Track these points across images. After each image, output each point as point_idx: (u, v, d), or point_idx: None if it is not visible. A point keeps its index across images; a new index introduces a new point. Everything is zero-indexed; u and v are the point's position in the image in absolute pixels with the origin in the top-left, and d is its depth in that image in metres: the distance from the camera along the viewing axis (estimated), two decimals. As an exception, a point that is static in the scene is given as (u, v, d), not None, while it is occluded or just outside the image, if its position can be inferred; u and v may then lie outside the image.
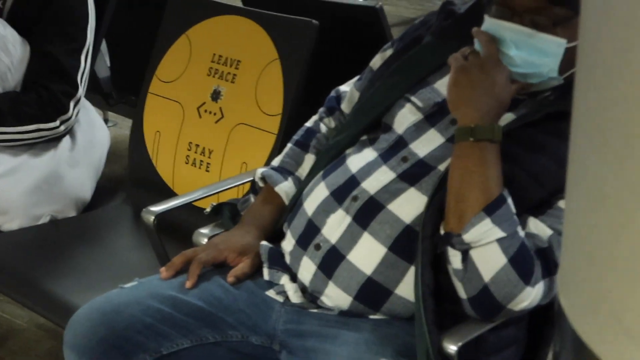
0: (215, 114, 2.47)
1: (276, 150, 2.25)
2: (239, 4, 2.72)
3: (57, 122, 2.52)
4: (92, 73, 2.67)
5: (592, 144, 0.68)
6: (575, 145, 0.73)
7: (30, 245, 2.42)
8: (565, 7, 1.59)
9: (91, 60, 2.64)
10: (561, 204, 1.57)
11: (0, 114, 2.47)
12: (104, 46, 2.98)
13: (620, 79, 0.62)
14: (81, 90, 2.57)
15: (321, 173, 1.79)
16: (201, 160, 2.47)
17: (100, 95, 3.15)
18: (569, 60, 1.59)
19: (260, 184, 1.93)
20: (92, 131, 2.72)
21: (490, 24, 1.64)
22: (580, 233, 0.72)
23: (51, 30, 2.57)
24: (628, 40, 0.61)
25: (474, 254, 1.51)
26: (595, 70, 0.67)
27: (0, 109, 2.47)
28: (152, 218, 2.04)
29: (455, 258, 1.53)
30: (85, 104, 2.65)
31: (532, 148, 1.61)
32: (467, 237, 1.51)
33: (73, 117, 2.56)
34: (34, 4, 2.59)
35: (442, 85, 1.73)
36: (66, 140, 2.60)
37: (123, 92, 3.22)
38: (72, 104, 2.54)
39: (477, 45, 1.65)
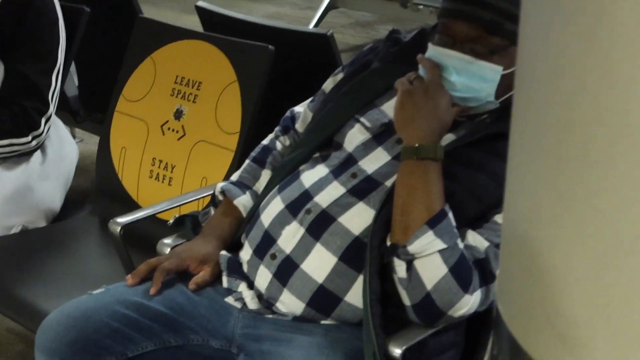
0: (177, 131, 2.47)
1: (234, 166, 2.26)
2: (200, 30, 2.73)
3: (29, 138, 2.51)
4: (62, 91, 2.67)
5: (528, 162, 0.72)
6: (513, 163, 0.77)
7: (2, 254, 2.39)
8: (501, 37, 1.62)
9: (61, 79, 2.63)
10: (497, 218, 1.59)
11: None
12: (72, 66, 2.95)
13: (553, 103, 0.66)
14: (52, 108, 2.57)
15: (277, 187, 1.79)
16: (164, 175, 2.47)
17: (68, 112, 3.12)
18: (504, 85, 1.63)
19: (220, 198, 1.93)
20: (62, 146, 2.71)
21: (433, 51, 1.67)
22: (516, 244, 0.75)
23: (24, 51, 2.56)
24: (559, 67, 0.65)
25: (417, 263, 1.53)
26: (531, 95, 0.71)
27: None
28: (118, 229, 2.04)
29: (400, 267, 1.55)
30: (55, 120, 2.64)
31: (471, 166, 1.63)
32: (412, 248, 1.53)
33: (44, 133, 2.55)
34: (7, 26, 2.57)
35: (388, 107, 1.75)
36: (37, 154, 2.59)
37: (90, 110, 3.19)
38: (43, 121, 2.53)
39: (421, 71, 1.67)
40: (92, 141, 3.04)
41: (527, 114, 0.73)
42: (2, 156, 2.50)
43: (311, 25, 5.14)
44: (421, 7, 4.77)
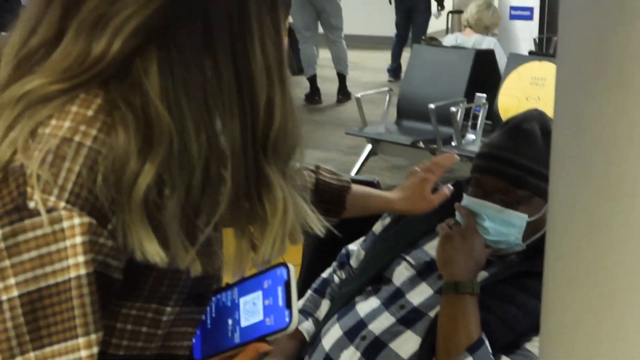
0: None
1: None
2: None
3: None
4: None
5: (563, 305, 0.74)
6: (547, 301, 0.78)
7: None
8: (525, 189, 1.68)
9: None
10: (528, 345, 1.59)
11: None
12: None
13: (582, 258, 0.69)
14: None
15: (335, 316, 1.79)
16: None
17: None
18: (530, 230, 1.68)
19: None
20: None
21: (468, 200, 1.73)
22: None
23: None
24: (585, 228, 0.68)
25: None
26: (563, 246, 0.73)
27: None
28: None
29: None
30: None
31: (503, 300, 1.63)
32: None
33: None
34: None
35: (430, 248, 1.79)
36: None
37: None
38: None
39: (458, 217, 1.74)
40: None
41: (560, 261, 0.75)
42: None
43: (355, 169, 5.27)
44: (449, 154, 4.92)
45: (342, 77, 7.84)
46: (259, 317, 1.09)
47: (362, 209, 1.65)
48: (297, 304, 1.08)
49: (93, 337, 0.89)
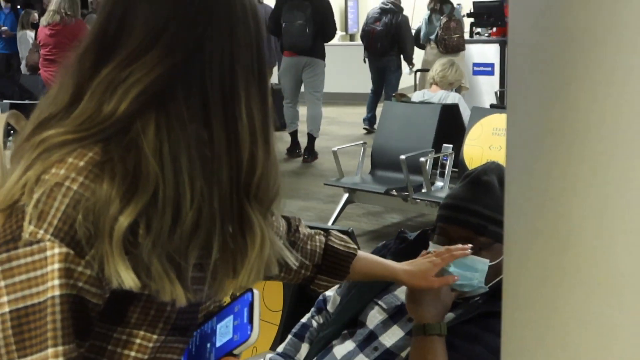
0: None
1: (278, 337, 2.25)
2: None
3: None
4: None
5: (521, 343, 0.75)
6: (506, 339, 0.79)
7: None
8: (486, 237, 1.69)
9: None
10: None
11: None
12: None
13: (537, 299, 0.70)
14: None
15: (315, 358, 1.79)
16: None
17: None
18: (492, 273, 1.68)
19: None
20: None
21: (434, 247, 1.71)
22: None
23: None
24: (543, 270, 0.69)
25: None
26: (519, 290, 0.74)
27: None
28: None
29: None
30: None
31: (468, 339, 1.63)
32: None
33: None
34: None
35: (401, 292, 1.77)
36: None
37: None
38: None
39: None
40: None
41: (517, 303, 0.75)
42: None
43: (334, 216, 5.29)
44: (418, 200, 4.90)
45: (311, 138, 7.78)
46: (229, 336, 1.19)
47: (366, 275, 1.69)
48: (258, 320, 1.17)
49: (60, 349, 0.97)
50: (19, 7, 12.46)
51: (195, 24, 1.04)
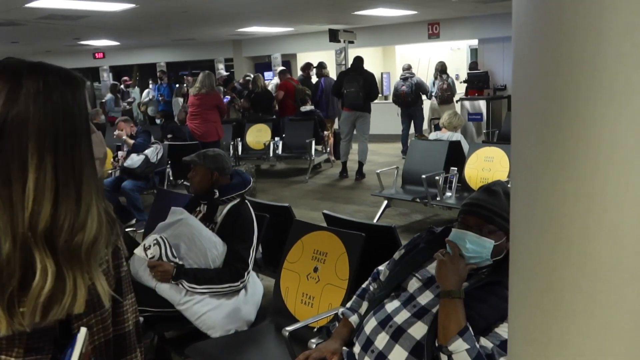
0: (315, 279, 2.45)
1: (346, 298, 2.24)
2: (324, 224, 2.70)
3: (238, 283, 2.54)
4: (255, 256, 2.70)
5: (522, 304, 0.71)
6: (512, 301, 0.74)
7: (225, 345, 2.38)
8: (493, 225, 1.66)
9: (254, 251, 2.63)
10: (496, 330, 1.55)
11: (212, 280, 2.47)
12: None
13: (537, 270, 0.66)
14: (250, 267, 2.59)
15: (372, 312, 1.76)
16: (309, 302, 2.43)
17: (257, 268, 3.13)
18: (494, 252, 1.65)
19: (341, 316, 1.93)
20: (254, 285, 2.69)
21: (456, 231, 1.69)
22: (519, 350, 0.72)
23: (236, 238, 2.60)
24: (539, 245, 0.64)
25: (454, 357, 1.51)
26: (520, 262, 0.70)
27: (212, 278, 2.49)
28: (287, 333, 2.08)
29: (444, 359, 1.53)
30: (251, 272, 2.63)
31: (479, 300, 1.60)
32: (450, 348, 1.51)
33: (245, 280, 2.56)
34: (228, 226, 2.63)
35: (431, 268, 1.75)
36: (242, 291, 2.59)
37: (268, 265, 3.20)
38: (245, 274, 2.56)
39: (448, 249, 1.69)
40: (269, 282, 2.98)
41: (520, 270, 0.70)
42: (225, 292, 2.51)
43: (377, 216, 5.22)
44: (434, 205, 4.82)
45: (361, 164, 7.71)
46: None
47: None
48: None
49: None
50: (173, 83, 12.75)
51: None
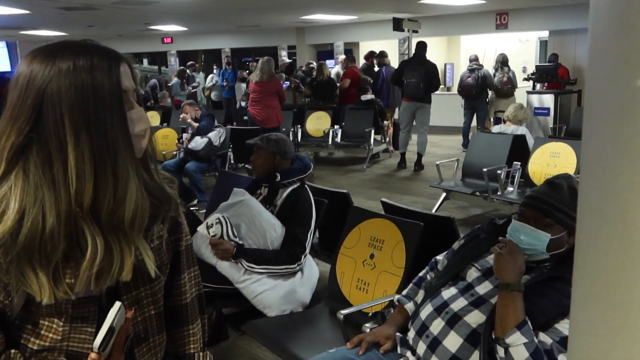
0: (371, 265, 2.44)
1: (402, 286, 2.23)
2: (382, 212, 2.66)
3: (295, 265, 2.56)
4: (312, 241, 2.72)
5: (586, 300, 0.66)
6: (575, 296, 0.69)
7: (281, 324, 2.41)
8: (550, 219, 1.63)
9: (312, 235, 2.66)
10: (556, 325, 1.52)
11: (270, 261, 2.52)
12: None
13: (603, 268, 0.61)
14: (307, 250, 2.61)
15: (428, 299, 1.76)
16: (364, 288, 2.42)
17: (314, 252, 3.11)
18: (553, 246, 1.62)
19: (396, 303, 1.93)
20: (310, 268, 2.71)
21: (514, 223, 1.68)
22: (580, 347, 0.68)
23: (295, 222, 2.63)
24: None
25: (511, 349, 1.48)
26: (588, 259, 0.65)
27: (270, 259, 2.53)
28: (342, 316, 2.09)
29: (500, 351, 1.51)
30: (308, 255, 2.66)
31: (539, 295, 1.57)
32: (507, 340, 1.49)
33: (302, 262, 2.59)
34: (287, 209, 2.66)
35: (490, 259, 1.73)
36: (299, 273, 2.61)
37: (324, 250, 3.21)
38: (302, 256, 2.59)
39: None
40: (325, 266, 3.00)
41: (586, 264, 0.65)
42: (282, 273, 2.55)
43: (435, 208, 5.15)
44: (495, 200, 4.74)
45: (420, 156, 7.62)
46: None
47: None
48: (105, 327, 0.90)
49: None
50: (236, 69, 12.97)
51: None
